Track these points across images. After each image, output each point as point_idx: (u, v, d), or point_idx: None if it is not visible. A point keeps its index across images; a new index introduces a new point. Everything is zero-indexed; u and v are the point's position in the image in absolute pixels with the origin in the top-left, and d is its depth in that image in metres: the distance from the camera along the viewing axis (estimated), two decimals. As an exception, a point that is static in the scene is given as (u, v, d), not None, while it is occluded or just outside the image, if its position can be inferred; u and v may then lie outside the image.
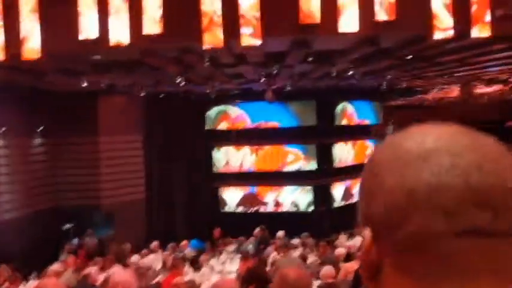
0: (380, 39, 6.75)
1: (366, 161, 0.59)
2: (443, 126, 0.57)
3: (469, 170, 0.51)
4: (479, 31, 6.34)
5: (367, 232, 0.55)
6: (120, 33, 6.26)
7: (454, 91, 16.06)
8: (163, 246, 11.15)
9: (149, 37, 6.27)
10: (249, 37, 6.08)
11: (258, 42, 6.11)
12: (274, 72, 8.91)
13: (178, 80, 9.36)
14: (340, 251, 9.90)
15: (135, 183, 13.63)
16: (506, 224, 0.50)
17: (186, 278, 8.71)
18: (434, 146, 0.53)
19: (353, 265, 8.10)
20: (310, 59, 7.33)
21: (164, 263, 9.64)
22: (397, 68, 9.52)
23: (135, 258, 9.94)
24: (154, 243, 10.99)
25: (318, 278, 7.22)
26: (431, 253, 0.51)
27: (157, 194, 14.16)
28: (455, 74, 11.25)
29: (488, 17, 6.30)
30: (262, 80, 9.68)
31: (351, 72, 9.36)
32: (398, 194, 0.52)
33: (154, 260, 10.21)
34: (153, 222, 13.94)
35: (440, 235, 0.50)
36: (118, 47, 6.34)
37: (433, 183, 0.50)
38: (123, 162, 13.16)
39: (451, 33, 6.32)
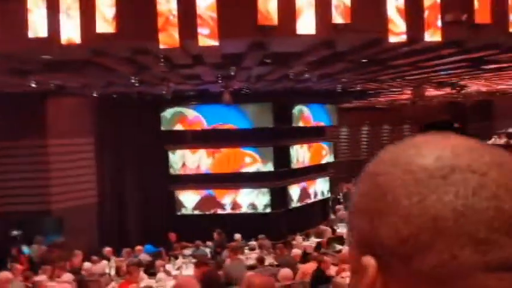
0: (336, 42, 6.82)
1: (364, 175, 0.50)
2: (450, 138, 0.50)
3: (499, 193, 0.44)
4: (431, 36, 6.52)
5: (370, 261, 0.46)
6: (71, 32, 6.02)
7: (406, 94, 16.51)
8: (117, 252, 10.86)
9: (101, 36, 6.06)
10: (206, 38, 5.99)
11: (215, 43, 6.02)
12: (232, 74, 8.84)
13: (132, 81, 9.12)
14: (296, 251, 9.97)
15: (87, 187, 13.22)
16: None
17: (142, 284, 8.52)
18: (454, 162, 0.45)
19: (310, 266, 8.16)
20: (268, 61, 7.30)
21: (118, 269, 9.36)
22: (352, 71, 9.66)
23: (87, 265, 9.61)
24: (107, 249, 10.68)
25: (276, 280, 7.22)
26: None
27: (110, 198, 13.77)
28: (407, 77, 11.55)
29: (439, 22, 6.49)
30: (219, 81, 9.59)
31: (307, 75, 9.41)
32: (417, 219, 0.44)
33: (107, 266, 9.92)
34: (105, 228, 13.55)
35: (469, 268, 0.42)
36: (69, 46, 6.10)
37: (460, 206, 0.43)
38: (73, 166, 12.73)
39: (404, 37, 6.47)
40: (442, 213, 0.43)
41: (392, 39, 6.41)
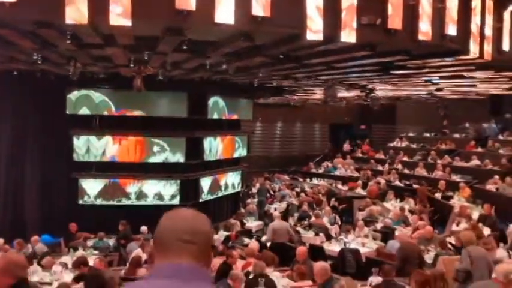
0: (255, 34, 6.73)
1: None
2: (182, 211, 1.60)
3: (176, 227, 1.52)
4: (347, 36, 6.65)
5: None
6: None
7: (317, 93, 16.97)
8: (9, 243, 10.04)
9: (0, 6, 5.46)
10: (118, 16, 5.61)
11: (127, 23, 5.66)
12: (145, 58, 8.44)
13: (34, 57, 8.39)
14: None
15: (-22, 171, 12.10)
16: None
17: (35, 277, 7.91)
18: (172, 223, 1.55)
19: (217, 261, 8.06)
20: (184, 47, 7.04)
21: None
22: (268, 66, 9.67)
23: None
24: (-1, 240, 9.84)
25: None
26: None
27: (5, 183, 12.73)
28: (321, 77, 11.82)
29: (355, 24, 6.63)
30: (132, 65, 9.12)
31: (224, 66, 9.26)
32: (158, 234, 1.54)
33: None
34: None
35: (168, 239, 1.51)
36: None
37: (168, 226, 1.55)
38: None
39: (321, 35, 6.53)
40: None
41: (310, 36, 6.44)
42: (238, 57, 8.49)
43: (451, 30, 7.34)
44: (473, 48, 7.83)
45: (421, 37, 7.05)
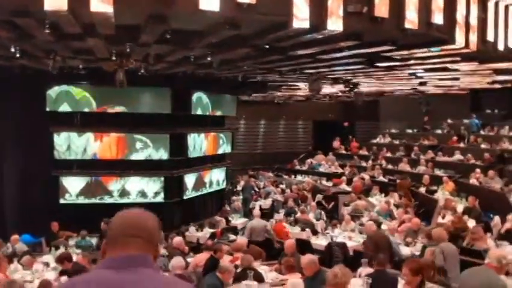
0: (240, 22, 6.59)
1: None
2: (132, 211, 1.79)
3: (125, 222, 1.75)
4: (333, 25, 6.55)
5: None
6: None
7: (302, 89, 16.90)
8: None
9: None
10: (99, 3, 5.42)
11: (109, 9, 5.47)
12: (127, 50, 8.23)
13: (12, 50, 8.12)
14: (178, 240, 9.55)
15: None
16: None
17: (16, 275, 7.69)
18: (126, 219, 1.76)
19: (203, 256, 7.92)
20: (168, 37, 6.86)
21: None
22: (253, 58, 9.53)
23: None
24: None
25: (166, 270, 6.87)
26: None
27: (-18, 182, 12.35)
28: (306, 71, 11.74)
29: (341, 12, 6.54)
30: (113, 59, 8.89)
31: (208, 59, 9.09)
32: (113, 225, 1.77)
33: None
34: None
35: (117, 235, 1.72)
36: None
37: (122, 220, 1.76)
38: None
39: (307, 23, 6.43)
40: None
41: (296, 24, 6.33)
42: (222, 49, 8.34)
43: (437, 18, 7.31)
44: (459, 38, 7.83)
45: (407, 25, 7.00)
